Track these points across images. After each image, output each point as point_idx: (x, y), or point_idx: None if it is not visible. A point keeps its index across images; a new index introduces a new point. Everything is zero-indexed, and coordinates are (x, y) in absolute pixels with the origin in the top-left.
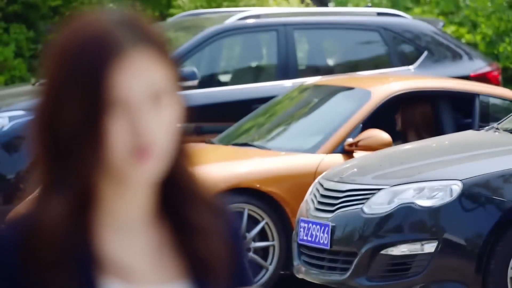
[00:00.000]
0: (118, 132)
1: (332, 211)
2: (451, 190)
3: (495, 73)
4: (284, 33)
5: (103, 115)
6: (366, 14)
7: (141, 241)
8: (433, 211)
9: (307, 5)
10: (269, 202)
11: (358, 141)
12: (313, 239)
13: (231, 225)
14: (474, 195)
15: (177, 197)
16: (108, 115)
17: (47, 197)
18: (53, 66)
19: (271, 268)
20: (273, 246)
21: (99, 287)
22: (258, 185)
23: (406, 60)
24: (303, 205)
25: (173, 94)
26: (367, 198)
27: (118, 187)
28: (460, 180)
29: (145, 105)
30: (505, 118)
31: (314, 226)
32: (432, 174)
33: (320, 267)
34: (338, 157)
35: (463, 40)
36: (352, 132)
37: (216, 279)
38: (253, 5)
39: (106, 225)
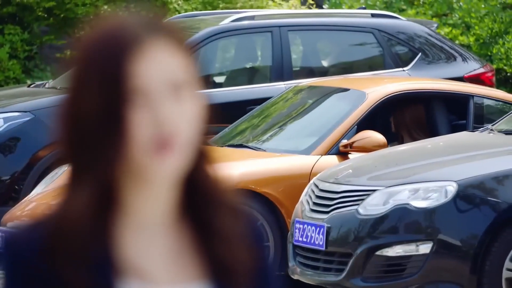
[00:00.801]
0: (139, 122)
1: (327, 212)
2: (446, 191)
3: (489, 74)
4: (278, 34)
5: (123, 105)
6: (360, 15)
7: (161, 242)
8: (428, 212)
9: (309, 7)
10: (264, 203)
11: (353, 142)
12: (308, 240)
13: (252, 230)
14: (469, 196)
15: (199, 199)
16: (128, 104)
17: (71, 192)
18: (76, 62)
19: None
20: (268, 247)
21: (116, 287)
22: (253, 186)
23: (400, 61)
24: (298, 206)
25: (193, 88)
26: (362, 199)
27: (140, 184)
28: (455, 181)
29: (166, 94)
30: (499, 119)
31: (309, 227)
32: (427, 175)
33: (315, 268)
34: (333, 158)
35: (457, 42)
36: (347, 133)
37: (236, 283)
38: (251, 7)
39: (127, 224)
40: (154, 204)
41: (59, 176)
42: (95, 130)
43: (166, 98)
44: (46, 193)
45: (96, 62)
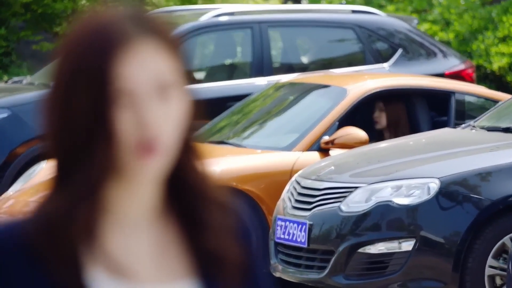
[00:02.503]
0: (124, 124)
1: (310, 209)
2: (429, 188)
3: (469, 71)
4: (258, 30)
5: (109, 105)
6: (341, 11)
7: (146, 239)
8: (411, 209)
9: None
10: (245, 200)
11: (334, 139)
12: (290, 238)
13: (240, 225)
14: (452, 193)
15: (185, 194)
16: (114, 105)
17: (56, 190)
18: (61, 59)
19: None
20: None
21: (90, 283)
22: (234, 183)
23: (381, 57)
24: (280, 203)
25: (180, 88)
26: (345, 196)
27: (124, 183)
28: (438, 178)
29: (151, 96)
30: (481, 115)
31: (291, 224)
32: (409, 172)
33: (297, 265)
34: (314, 155)
35: (436, 38)
36: (328, 130)
37: (225, 277)
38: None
39: (111, 222)
40: (138, 202)
41: (37, 173)
42: (80, 129)
43: (152, 100)
44: (24, 190)
45: (82, 61)
